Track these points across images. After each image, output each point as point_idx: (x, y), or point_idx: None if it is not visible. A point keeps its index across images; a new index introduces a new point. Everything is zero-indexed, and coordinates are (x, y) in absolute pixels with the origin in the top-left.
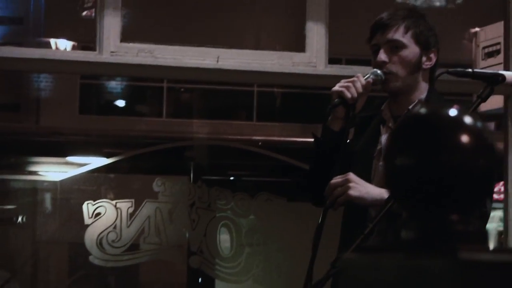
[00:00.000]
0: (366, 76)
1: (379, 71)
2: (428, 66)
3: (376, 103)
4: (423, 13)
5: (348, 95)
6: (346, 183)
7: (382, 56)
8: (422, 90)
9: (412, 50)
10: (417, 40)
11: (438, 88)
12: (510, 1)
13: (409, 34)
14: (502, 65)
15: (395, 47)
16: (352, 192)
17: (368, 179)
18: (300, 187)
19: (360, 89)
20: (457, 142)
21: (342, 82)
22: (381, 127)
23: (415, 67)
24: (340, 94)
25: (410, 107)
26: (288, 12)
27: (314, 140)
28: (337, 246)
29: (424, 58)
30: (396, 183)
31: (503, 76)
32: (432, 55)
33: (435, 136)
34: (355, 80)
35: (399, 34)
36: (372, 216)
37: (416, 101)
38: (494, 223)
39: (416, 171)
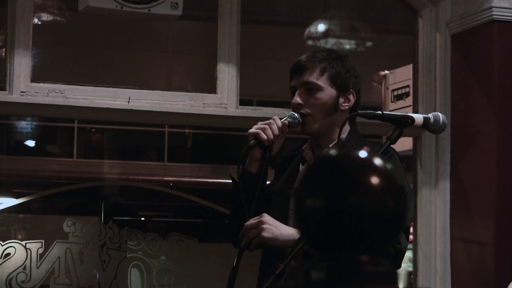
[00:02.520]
0: (284, 119)
1: (296, 114)
2: (347, 108)
3: (298, 144)
4: (344, 55)
5: (264, 137)
6: (259, 224)
7: (298, 98)
8: (343, 131)
9: (327, 92)
10: (333, 82)
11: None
12: (418, 45)
13: (325, 76)
14: (411, 108)
15: (310, 89)
16: (265, 234)
17: (286, 219)
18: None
19: (277, 131)
20: (366, 184)
21: (259, 124)
22: (301, 166)
23: (331, 108)
24: (256, 136)
25: (330, 146)
26: (199, 52)
27: (232, 182)
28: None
29: (341, 100)
30: (305, 224)
31: (412, 119)
32: (350, 96)
33: (344, 177)
34: (271, 122)
35: (314, 76)
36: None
37: (336, 141)
38: (404, 263)
39: (325, 212)
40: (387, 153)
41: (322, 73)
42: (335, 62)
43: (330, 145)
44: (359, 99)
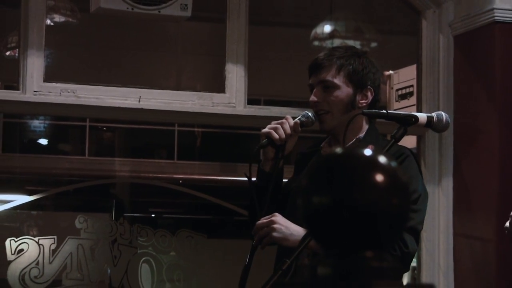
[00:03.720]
0: (297, 118)
1: (310, 113)
2: (364, 105)
3: (317, 141)
4: (362, 51)
5: (276, 136)
6: (270, 224)
7: (314, 96)
8: (362, 128)
9: (344, 90)
10: (350, 79)
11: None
12: (422, 46)
13: (342, 74)
14: (415, 107)
15: (327, 87)
16: (275, 234)
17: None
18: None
19: (289, 130)
20: (371, 182)
21: (272, 124)
22: None
23: (348, 106)
24: (267, 135)
25: (348, 145)
26: (208, 53)
27: (248, 181)
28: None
29: (359, 97)
30: (311, 221)
31: (416, 117)
32: (368, 93)
33: (349, 175)
34: (284, 121)
35: (330, 75)
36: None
37: (354, 139)
38: None
39: (330, 209)
40: (403, 155)
41: (338, 71)
42: (352, 59)
43: (348, 144)
44: (377, 95)
